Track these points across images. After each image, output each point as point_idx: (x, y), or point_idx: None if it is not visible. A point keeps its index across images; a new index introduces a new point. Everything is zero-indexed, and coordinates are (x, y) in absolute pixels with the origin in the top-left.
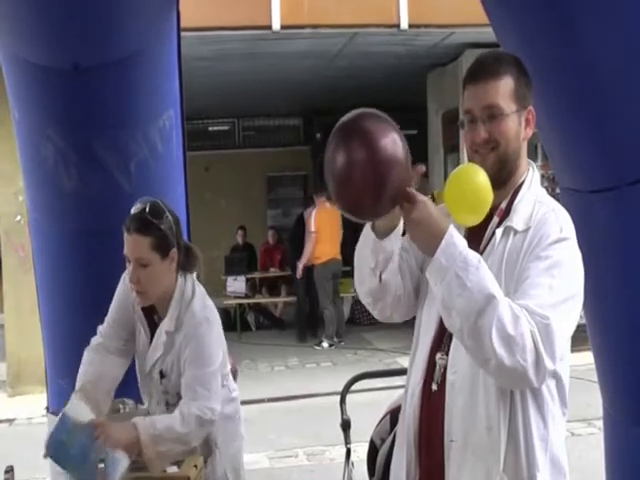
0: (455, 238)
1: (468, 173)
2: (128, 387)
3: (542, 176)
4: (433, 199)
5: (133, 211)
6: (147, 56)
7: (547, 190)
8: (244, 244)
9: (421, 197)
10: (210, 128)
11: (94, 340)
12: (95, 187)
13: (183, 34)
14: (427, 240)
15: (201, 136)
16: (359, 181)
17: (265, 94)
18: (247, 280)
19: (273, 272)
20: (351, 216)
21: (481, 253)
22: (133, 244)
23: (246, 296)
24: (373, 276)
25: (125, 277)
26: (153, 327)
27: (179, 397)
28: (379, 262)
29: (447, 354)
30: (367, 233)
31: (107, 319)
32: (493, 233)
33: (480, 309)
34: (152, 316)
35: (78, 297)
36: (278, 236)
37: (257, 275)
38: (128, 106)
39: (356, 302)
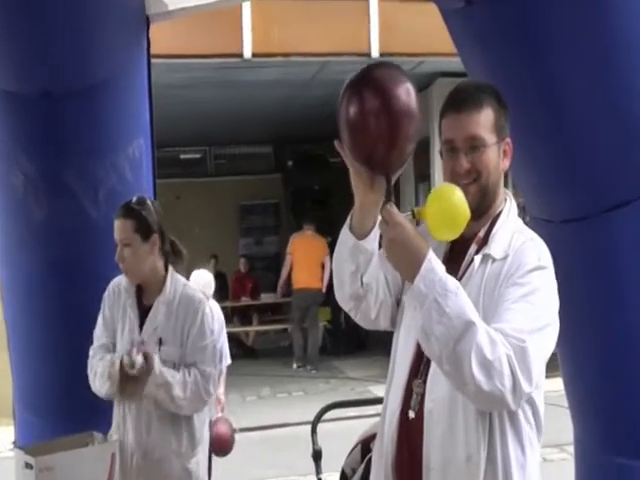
0: (434, 264)
1: (448, 191)
2: (99, 417)
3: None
4: (413, 215)
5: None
6: (117, 83)
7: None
8: (216, 272)
9: (399, 218)
10: (182, 156)
11: (92, 350)
12: (64, 215)
13: (154, 61)
14: (404, 263)
15: (172, 164)
16: (373, 129)
17: (237, 122)
18: None
19: (245, 301)
20: (365, 167)
21: (459, 280)
22: (119, 227)
23: None
24: (354, 280)
25: (108, 289)
26: (142, 311)
27: (175, 368)
28: (359, 264)
29: (425, 382)
30: (345, 235)
31: (96, 331)
32: (471, 260)
33: (459, 335)
34: (141, 302)
35: (47, 328)
36: (250, 265)
37: (229, 304)
38: (97, 134)
39: (328, 331)
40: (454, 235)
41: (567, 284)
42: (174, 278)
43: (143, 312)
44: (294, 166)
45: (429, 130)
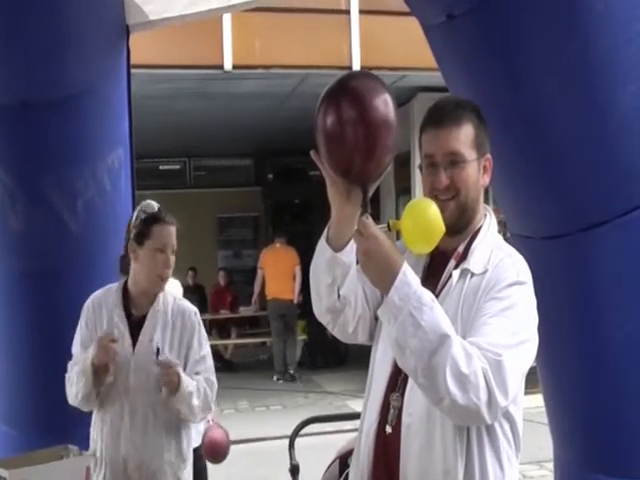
0: (409, 277)
1: (423, 206)
2: (77, 430)
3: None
4: (389, 228)
5: (149, 210)
6: (96, 93)
7: (500, 234)
8: (194, 285)
9: (374, 230)
10: (161, 167)
11: (70, 365)
12: (42, 226)
13: (133, 71)
14: (379, 275)
15: (151, 175)
16: (350, 139)
17: (217, 134)
18: None
19: (223, 314)
20: (342, 178)
21: (437, 295)
22: (171, 234)
23: None
24: (331, 293)
25: (87, 304)
26: (132, 323)
27: None
28: (336, 277)
29: (402, 395)
30: (322, 247)
31: (74, 346)
32: (450, 275)
33: (434, 349)
34: (130, 313)
35: (24, 340)
36: (229, 278)
37: (207, 317)
38: (76, 144)
39: (307, 345)
40: (428, 248)
41: (547, 300)
42: (164, 290)
43: (133, 324)
44: (274, 179)
45: (410, 144)
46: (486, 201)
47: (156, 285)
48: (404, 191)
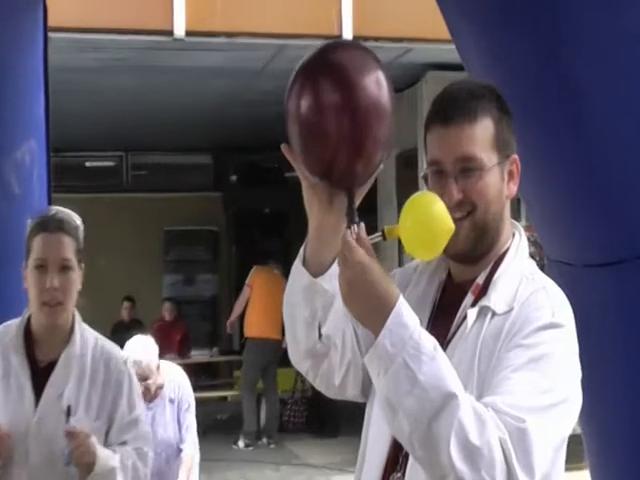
0: (405, 316)
1: (425, 201)
2: None
3: (528, 240)
4: (384, 237)
5: (41, 216)
6: (1, 67)
7: (534, 259)
8: (131, 320)
9: (359, 256)
10: (88, 164)
11: None
12: None
13: (52, 36)
14: (366, 313)
15: (76, 174)
16: (332, 130)
17: (163, 122)
18: None
19: (169, 359)
20: (322, 180)
21: (449, 340)
22: (57, 243)
23: None
24: (310, 330)
25: None
26: (36, 372)
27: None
28: (317, 310)
29: (404, 474)
30: (297, 271)
31: None
32: (465, 315)
33: (436, 411)
34: (34, 359)
35: None
36: (177, 311)
37: None
38: None
39: (282, 402)
40: (433, 255)
41: (593, 346)
42: (82, 326)
43: (37, 373)
44: (239, 182)
45: (417, 138)
46: (515, 216)
47: (46, 317)
48: (409, 195)
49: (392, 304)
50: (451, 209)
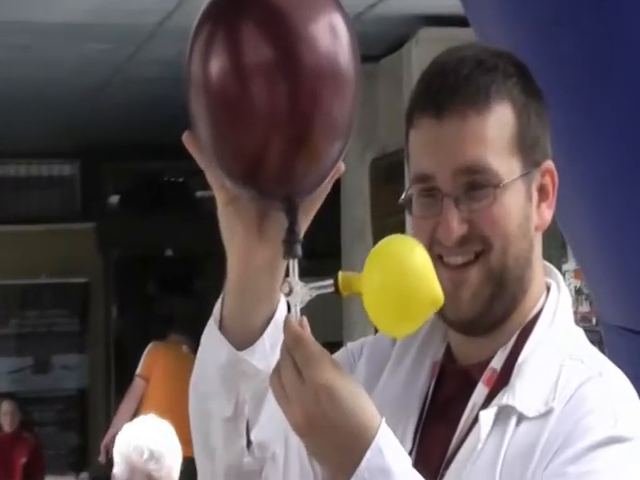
0: (388, 457)
1: (401, 247)
2: None
3: (577, 291)
4: (337, 289)
5: None
6: None
7: (586, 321)
8: None
9: (324, 373)
10: None
11: None
12: None
13: None
14: (329, 452)
15: None
16: (260, 106)
17: (7, 117)
18: None
19: None
20: (248, 190)
21: (450, 458)
22: None
23: None
24: (233, 435)
25: None
26: None
27: None
28: (242, 403)
29: None
30: (212, 341)
31: None
32: (476, 418)
33: None
34: None
35: None
36: (22, 415)
37: None
38: None
39: None
40: (410, 329)
41: None
42: None
43: None
44: (122, 206)
45: (403, 136)
46: (564, 252)
47: None
48: (392, 226)
49: (369, 439)
50: (449, 249)
